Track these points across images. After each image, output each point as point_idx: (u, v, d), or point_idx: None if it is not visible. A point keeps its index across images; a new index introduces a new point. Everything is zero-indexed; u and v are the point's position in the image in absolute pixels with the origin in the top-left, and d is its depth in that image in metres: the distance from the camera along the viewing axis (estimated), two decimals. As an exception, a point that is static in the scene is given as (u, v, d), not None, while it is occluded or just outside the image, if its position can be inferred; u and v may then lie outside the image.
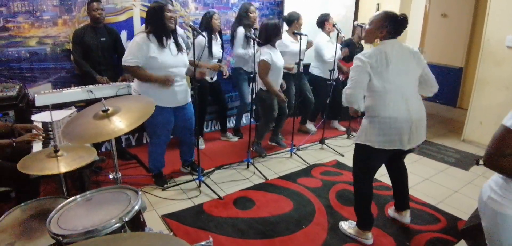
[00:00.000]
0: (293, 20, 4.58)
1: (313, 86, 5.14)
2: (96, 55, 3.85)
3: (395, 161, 2.90)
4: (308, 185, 3.70)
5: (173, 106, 3.38)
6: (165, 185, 3.59)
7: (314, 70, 5.11)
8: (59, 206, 1.70)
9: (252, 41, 3.85)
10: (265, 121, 4.41)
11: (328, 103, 4.71)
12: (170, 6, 3.22)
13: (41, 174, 1.83)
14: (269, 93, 4.15)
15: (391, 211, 3.16)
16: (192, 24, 3.24)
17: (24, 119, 3.12)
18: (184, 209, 3.21)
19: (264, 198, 3.45)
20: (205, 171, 3.88)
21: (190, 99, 3.51)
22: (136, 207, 1.60)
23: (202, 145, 4.56)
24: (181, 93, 3.37)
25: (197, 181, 3.59)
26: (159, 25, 3.13)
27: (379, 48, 2.47)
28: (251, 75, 3.85)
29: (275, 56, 4.04)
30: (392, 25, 2.47)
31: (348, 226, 2.93)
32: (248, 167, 4.08)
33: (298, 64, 4.42)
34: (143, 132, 4.67)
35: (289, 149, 4.48)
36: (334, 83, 4.63)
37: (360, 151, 2.67)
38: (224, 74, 4.52)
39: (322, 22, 4.91)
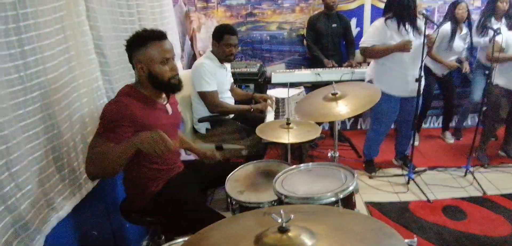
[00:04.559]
0: None
1: None
2: (326, 40, 4.17)
3: None
4: (539, 212, 3.08)
5: (402, 96, 3.36)
6: (373, 173, 3.65)
7: None
8: (285, 170, 1.90)
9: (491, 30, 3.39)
10: (489, 121, 3.86)
11: None
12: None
13: (275, 140, 2.14)
14: (494, 87, 3.60)
15: None
16: (425, 12, 3.07)
17: (261, 92, 3.69)
18: (389, 202, 3.21)
19: (478, 213, 3.06)
20: (416, 169, 3.73)
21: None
22: (351, 188, 1.69)
23: (417, 141, 4.35)
24: (413, 83, 3.19)
25: (407, 177, 3.50)
26: (402, 11, 3.14)
27: None
28: (486, 73, 3.42)
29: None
30: None
31: None
32: (465, 175, 3.66)
33: None
34: (359, 118, 4.81)
35: (522, 165, 3.78)
36: None
37: None
38: (465, 70, 4.11)
39: None
